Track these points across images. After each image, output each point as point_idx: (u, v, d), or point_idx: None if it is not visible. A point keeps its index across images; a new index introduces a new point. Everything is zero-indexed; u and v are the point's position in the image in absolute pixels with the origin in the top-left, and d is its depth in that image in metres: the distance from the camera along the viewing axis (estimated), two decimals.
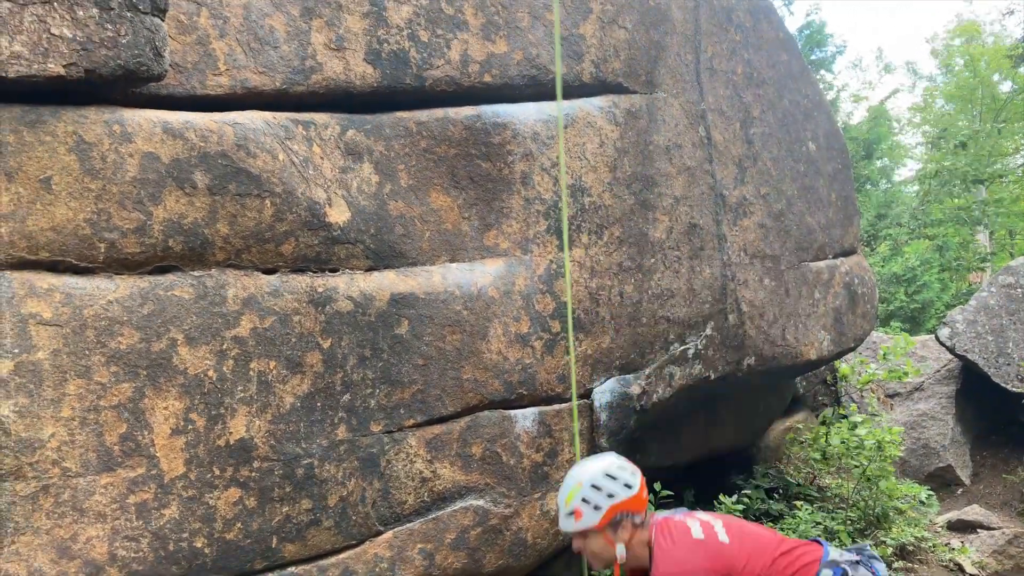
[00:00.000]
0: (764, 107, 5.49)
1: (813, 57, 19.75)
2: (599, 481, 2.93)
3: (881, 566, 3.22)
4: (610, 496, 2.93)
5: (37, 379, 2.60)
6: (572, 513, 2.93)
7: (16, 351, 2.56)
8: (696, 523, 3.03)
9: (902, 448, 7.28)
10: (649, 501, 5.16)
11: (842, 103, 22.28)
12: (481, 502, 3.63)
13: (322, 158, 3.31)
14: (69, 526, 2.62)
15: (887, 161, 22.99)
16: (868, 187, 20.79)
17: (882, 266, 16.86)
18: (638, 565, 3.02)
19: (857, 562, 3.17)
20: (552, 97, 4.07)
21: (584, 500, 2.92)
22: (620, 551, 2.98)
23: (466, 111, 3.79)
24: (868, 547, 3.35)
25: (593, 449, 4.11)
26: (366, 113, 3.54)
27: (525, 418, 3.81)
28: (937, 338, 9.30)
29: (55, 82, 2.61)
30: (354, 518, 3.27)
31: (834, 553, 3.16)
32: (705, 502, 5.95)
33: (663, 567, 2.90)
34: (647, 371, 4.37)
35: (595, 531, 2.93)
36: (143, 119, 2.86)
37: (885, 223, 18.96)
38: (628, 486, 2.97)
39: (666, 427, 5.31)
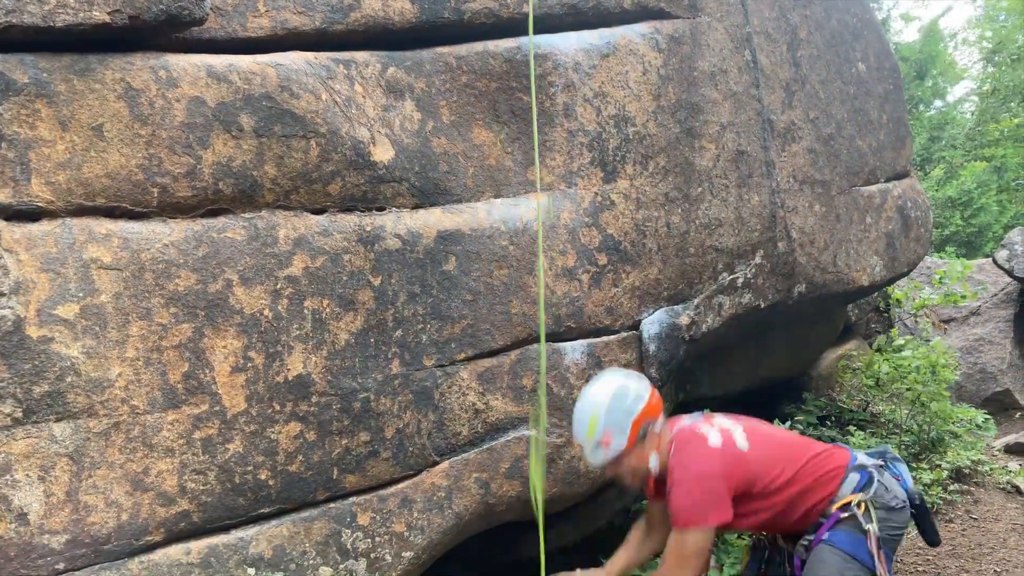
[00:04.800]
0: (811, 28, 5.32)
1: None
2: (613, 403, 2.95)
3: (903, 467, 3.25)
4: (629, 413, 2.95)
5: (102, 321, 2.69)
6: (600, 443, 2.96)
7: (81, 295, 2.66)
8: (715, 430, 3.03)
9: (958, 372, 7.19)
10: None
11: (893, 23, 21.42)
12: (534, 432, 3.70)
13: (364, 97, 3.32)
14: (141, 460, 2.74)
15: (940, 81, 22.10)
16: (920, 108, 20.10)
17: (936, 190, 16.40)
18: (662, 472, 3.06)
19: (882, 466, 3.18)
20: (592, 25, 4.01)
21: (607, 427, 2.94)
22: (654, 462, 3.03)
23: (506, 43, 3.75)
24: (889, 449, 3.36)
25: None
26: (406, 50, 3.53)
27: (574, 350, 3.84)
28: (994, 260, 9.08)
29: (101, 29, 2.65)
30: (411, 449, 3.35)
31: (861, 457, 3.18)
32: None
33: (678, 474, 2.93)
34: (696, 301, 4.36)
35: (627, 451, 2.98)
36: (188, 64, 2.89)
37: (939, 145, 18.36)
38: (640, 396, 3.00)
39: (716, 357, 5.31)
